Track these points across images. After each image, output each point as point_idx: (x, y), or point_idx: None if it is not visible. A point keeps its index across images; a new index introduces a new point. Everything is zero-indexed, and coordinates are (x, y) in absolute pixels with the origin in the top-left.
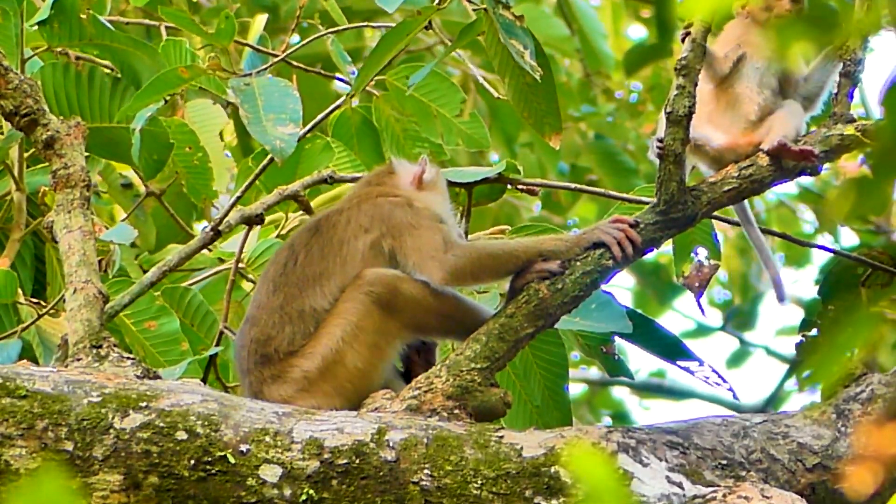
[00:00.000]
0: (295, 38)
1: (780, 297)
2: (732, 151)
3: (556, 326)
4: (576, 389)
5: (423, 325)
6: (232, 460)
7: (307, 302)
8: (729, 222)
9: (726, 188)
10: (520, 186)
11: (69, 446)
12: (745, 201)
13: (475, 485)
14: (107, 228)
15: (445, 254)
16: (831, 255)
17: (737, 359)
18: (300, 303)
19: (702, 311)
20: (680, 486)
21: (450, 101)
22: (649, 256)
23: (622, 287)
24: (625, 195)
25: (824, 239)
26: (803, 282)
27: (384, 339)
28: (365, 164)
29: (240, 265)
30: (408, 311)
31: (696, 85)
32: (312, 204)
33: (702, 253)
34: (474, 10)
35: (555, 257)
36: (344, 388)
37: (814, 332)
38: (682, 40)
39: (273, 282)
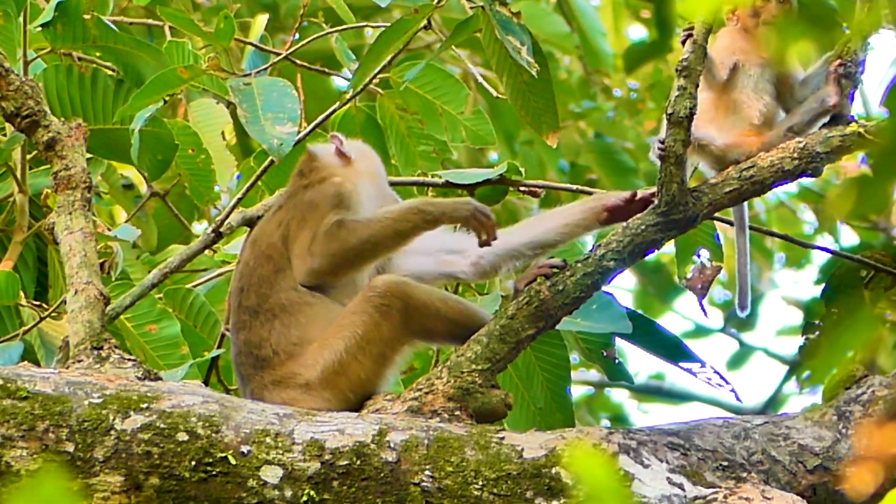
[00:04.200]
0: (296, 36)
1: (742, 307)
2: (737, 149)
3: (557, 328)
4: (575, 392)
5: (431, 330)
6: (233, 461)
7: (281, 296)
8: (730, 223)
9: (727, 189)
10: (521, 188)
11: (70, 447)
12: (745, 207)
13: (476, 486)
14: (108, 229)
15: (307, 252)
16: (834, 256)
17: (737, 360)
18: (275, 298)
19: (704, 312)
20: (681, 487)
21: (454, 98)
22: (650, 256)
23: (623, 287)
24: None
25: (824, 239)
26: (804, 282)
27: (391, 348)
28: None
29: None
30: (417, 318)
31: (697, 86)
32: None
33: (704, 255)
34: (472, 7)
35: (437, 215)
36: (346, 396)
37: (816, 334)
38: (683, 43)
39: (241, 281)
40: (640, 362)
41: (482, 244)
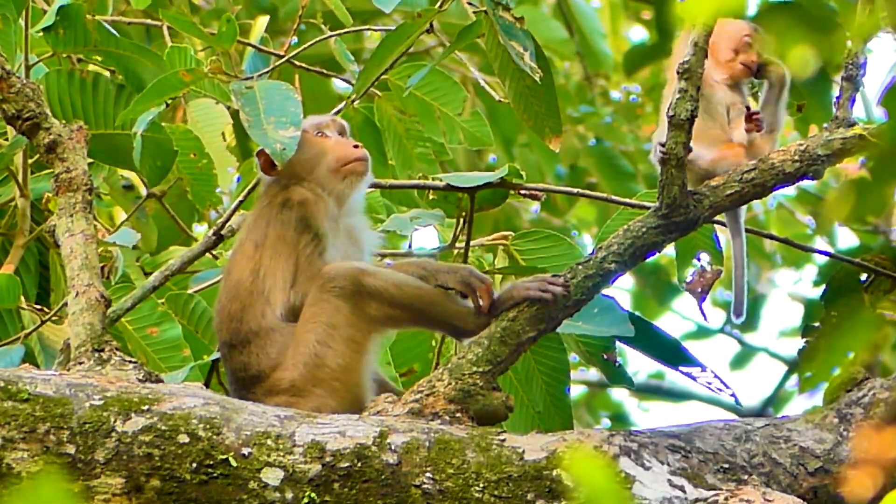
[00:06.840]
0: (295, 39)
1: (738, 313)
2: (724, 161)
3: (557, 330)
4: (575, 391)
5: (394, 317)
6: (234, 463)
7: (251, 325)
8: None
9: (728, 192)
10: (522, 192)
11: (71, 449)
12: (740, 212)
13: (477, 488)
14: (108, 231)
15: (289, 288)
16: (833, 259)
17: (739, 361)
18: (246, 329)
19: (704, 316)
20: (682, 489)
21: (452, 100)
22: (650, 258)
23: (621, 289)
24: (626, 200)
25: (822, 241)
26: (804, 282)
27: (359, 332)
28: None
29: None
30: (374, 303)
31: (698, 88)
32: None
33: (704, 258)
34: (474, 12)
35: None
36: (333, 387)
37: (815, 337)
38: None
39: (216, 315)
40: (641, 361)
41: (478, 311)
